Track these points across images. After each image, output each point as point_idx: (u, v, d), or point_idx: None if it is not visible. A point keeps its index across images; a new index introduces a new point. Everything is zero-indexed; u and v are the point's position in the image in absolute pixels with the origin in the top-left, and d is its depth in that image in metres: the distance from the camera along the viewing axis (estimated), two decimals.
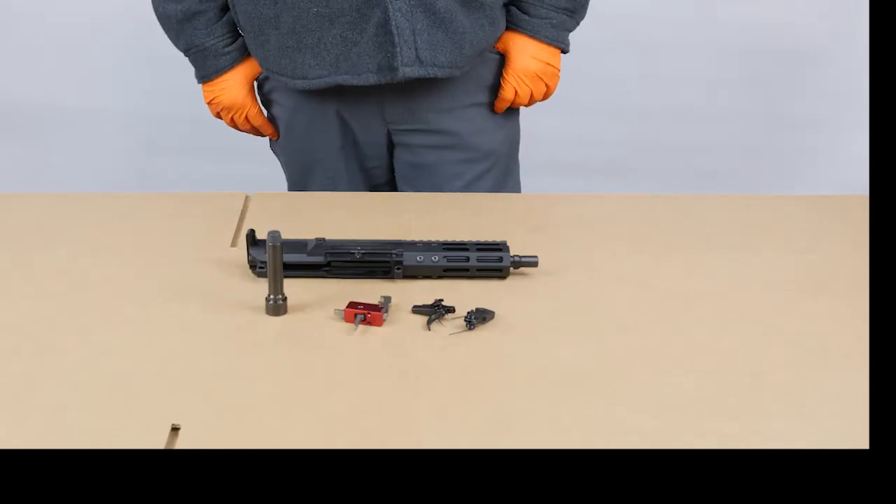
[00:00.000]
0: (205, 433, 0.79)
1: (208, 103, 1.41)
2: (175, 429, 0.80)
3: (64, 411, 0.81)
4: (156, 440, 0.78)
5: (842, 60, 2.44)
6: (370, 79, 1.28)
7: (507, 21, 1.36)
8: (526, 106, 1.42)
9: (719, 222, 1.24)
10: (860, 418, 0.82)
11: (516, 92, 1.36)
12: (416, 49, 1.26)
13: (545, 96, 1.40)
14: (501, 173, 1.43)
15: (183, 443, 0.78)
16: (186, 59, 1.39)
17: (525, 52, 1.35)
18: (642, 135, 2.50)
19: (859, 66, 2.23)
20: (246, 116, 1.41)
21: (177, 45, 1.37)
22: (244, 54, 1.38)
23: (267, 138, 1.50)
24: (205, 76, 1.38)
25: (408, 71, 1.26)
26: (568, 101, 2.41)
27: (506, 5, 1.35)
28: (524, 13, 1.34)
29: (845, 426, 0.81)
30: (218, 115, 1.43)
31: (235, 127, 1.44)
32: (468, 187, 1.39)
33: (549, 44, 1.35)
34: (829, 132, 2.54)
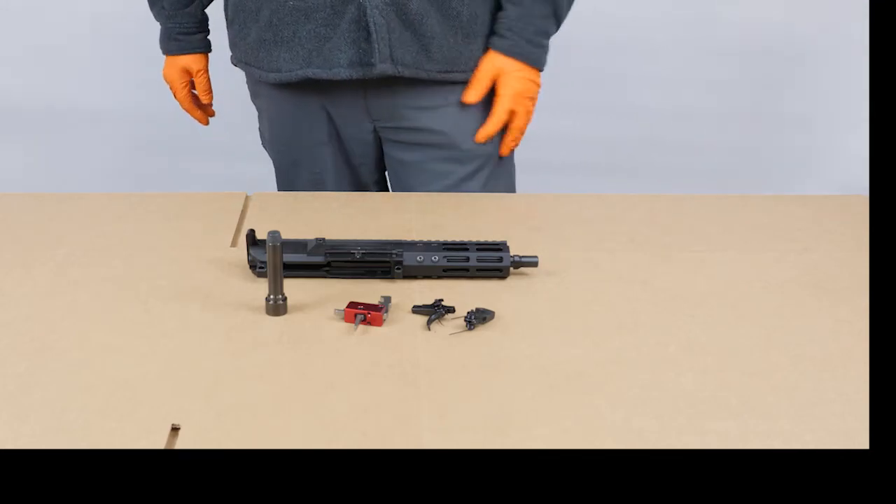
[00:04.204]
0: (205, 433, 0.79)
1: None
2: (175, 429, 0.79)
3: (64, 411, 0.81)
4: (156, 440, 0.78)
5: (841, 60, 2.44)
6: (341, 73, 1.29)
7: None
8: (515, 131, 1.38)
9: (719, 222, 1.24)
10: (860, 418, 0.82)
11: (514, 112, 1.35)
12: (389, 47, 1.28)
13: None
14: (493, 175, 1.42)
15: (183, 443, 0.78)
16: None
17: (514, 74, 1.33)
18: (642, 135, 2.50)
19: (858, 66, 2.23)
20: (175, 96, 1.51)
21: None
22: (193, 49, 1.46)
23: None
24: (161, 48, 1.49)
25: (383, 67, 1.28)
26: (568, 101, 2.43)
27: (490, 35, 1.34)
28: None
29: (845, 426, 0.81)
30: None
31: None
32: (456, 187, 1.39)
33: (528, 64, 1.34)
34: (829, 132, 2.54)
